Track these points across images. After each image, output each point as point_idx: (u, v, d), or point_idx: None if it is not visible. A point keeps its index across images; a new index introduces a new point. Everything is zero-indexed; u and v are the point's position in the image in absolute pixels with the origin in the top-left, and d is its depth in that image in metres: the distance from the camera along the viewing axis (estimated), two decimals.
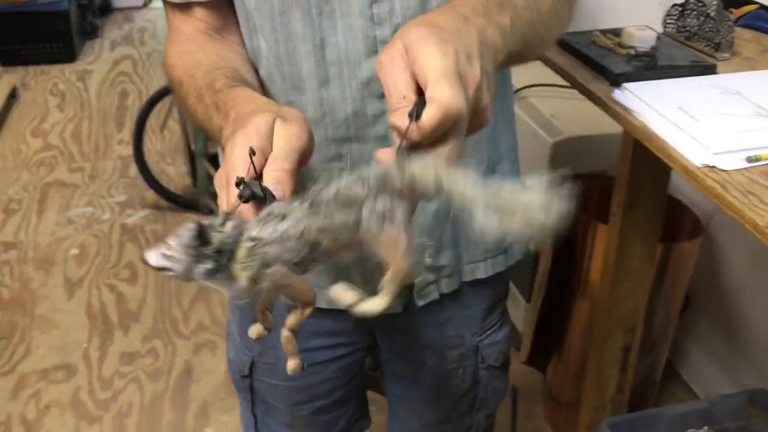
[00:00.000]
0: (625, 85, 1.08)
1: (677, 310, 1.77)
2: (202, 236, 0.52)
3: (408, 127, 0.53)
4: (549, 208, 0.49)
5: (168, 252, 0.52)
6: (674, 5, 1.28)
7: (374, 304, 0.55)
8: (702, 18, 1.22)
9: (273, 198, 0.55)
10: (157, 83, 3.92)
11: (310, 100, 0.84)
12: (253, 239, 0.52)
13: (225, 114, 0.68)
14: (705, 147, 0.92)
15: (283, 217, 0.52)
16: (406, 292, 0.97)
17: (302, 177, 0.61)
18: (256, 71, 0.86)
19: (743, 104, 1.02)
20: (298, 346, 1.03)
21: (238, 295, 0.54)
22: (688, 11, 1.24)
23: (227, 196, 0.58)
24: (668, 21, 1.30)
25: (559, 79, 2.05)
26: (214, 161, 2.63)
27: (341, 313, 0.98)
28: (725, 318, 1.84)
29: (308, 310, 0.59)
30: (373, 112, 0.83)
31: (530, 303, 1.95)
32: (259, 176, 0.57)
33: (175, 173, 3.14)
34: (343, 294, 0.56)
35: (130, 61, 4.37)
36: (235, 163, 0.58)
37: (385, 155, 0.56)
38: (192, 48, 0.82)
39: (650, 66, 1.12)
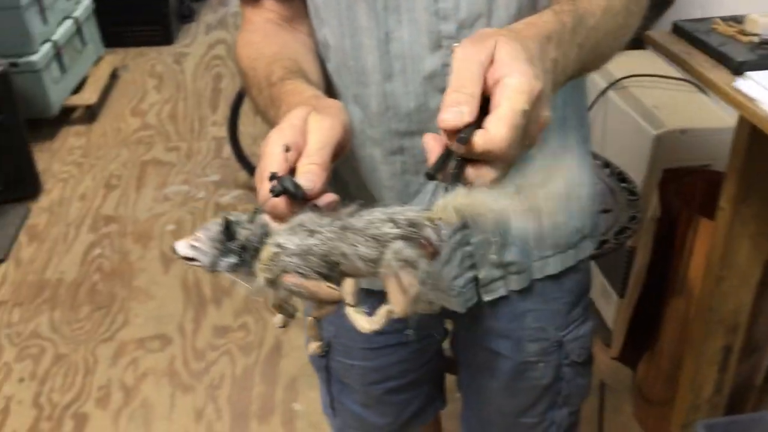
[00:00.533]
0: (749, 73, 1.04)
1: None
2: (228, 231, 0.54)
3: (453, 142, 0.54)
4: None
5: (196, 243, 0.55)
6: None
7: (363, 323, 0.57)
8: None
9: (304, 194, 0.56)
10: None
11: (374, 94, 0.85)
12: (279, 246, 0.54)
13: (278, 107, 0.70)
14: None
15: (312, 233, 0.54)
16: (467, 290, 0.97)
17: (343, 169, 0.61)
18: (324, 63, 0.88)
19: None
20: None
21: (255, 293, 0.57)
22: None
23: (261, 191, 0.59)
24: None
25: (661, 70, 2.00)
26: None
27: None
28: None
29: (327, 309, 0.60)
30: (436, 105, 0.82)
31: (624, 298, 1.92)
32: (292, 171, 0.59)
33: None
34: (349, 294, 0.57)
35: (224, 45, 4.48)
36: (269, 159, 0.59)
37: (435, 141, 0.57)
38: (256, 39, 0.84)
39: None
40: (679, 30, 1.21)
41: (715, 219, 1.40)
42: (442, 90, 0.81)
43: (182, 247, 0.56)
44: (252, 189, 2.94)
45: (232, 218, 0.55)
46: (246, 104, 3.01)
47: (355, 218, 0.55)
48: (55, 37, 3.41)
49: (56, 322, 2.33)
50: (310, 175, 0.57)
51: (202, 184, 3.04)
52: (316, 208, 0.56)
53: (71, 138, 3.46)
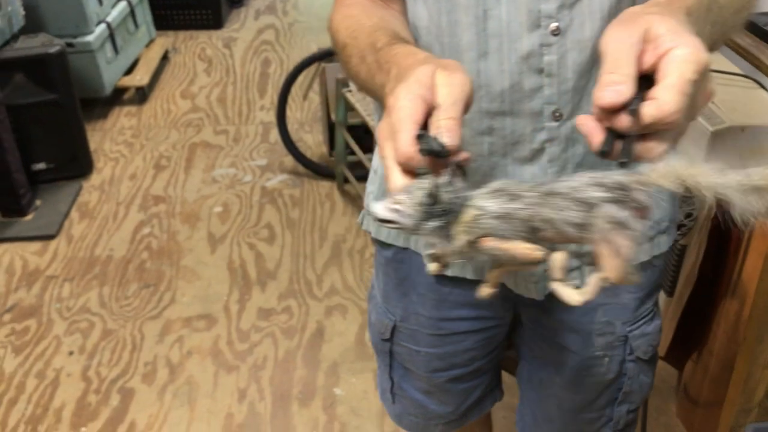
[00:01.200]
0: None
1: None
2: (433, 195, 0.54)
3: (621, 116, 0.53)
4: None
5: (398, 207, 0.55)
6: None
7: (571, 296, 0.56)
8: None
9: (447, 152, 0.56)
10: (298, 53, 4.04)
11: (467, 72, 0.84)
12: (480, 209, 0.54)
13: (387, 71, 0.69)
14: None
15: (514, 197, 0.54)
16: (545, 279, 0.96)
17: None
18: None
19: None
20: (442, 315, 1.04)
21: (451, 254, 0.57)
22: None
23: (394, 148, 0.58)
24: None
25: (720, 65, 1.95)
26: (353, 131, 2.69)
27: None
28: None
29: (527, 268, 0.59)
30: (530, 86, 0.83)
31: (673, 296, 1.88)
32: (425, 127, 0.58)
33: (312, 141, 3.24)
34: (557, 268, 0.57)
35: (272, 30, 4.51)
36: (400, 114, 0.58)
37: (593, 122, 0.55)
38: (355, 12, 0.84)
39: None
40: (747, 23, 1.18)
41: None
42: (538, 70, 0.83)
43: (382, 209, 0.56)
44: (296, 174, 2.97)
45: (438, 182, 0.55)
46: (294, 90, 3.02)
47: (556, 184, 0.54)
48: (110, 18, 3.46)
49: (105, 298, 2.38)
50: (449, 132, 0.56)
51: (249, 168, 3.07)
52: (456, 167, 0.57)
53: (123, 118, 3.52)
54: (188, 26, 4.53)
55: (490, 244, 0.55)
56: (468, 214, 0.54)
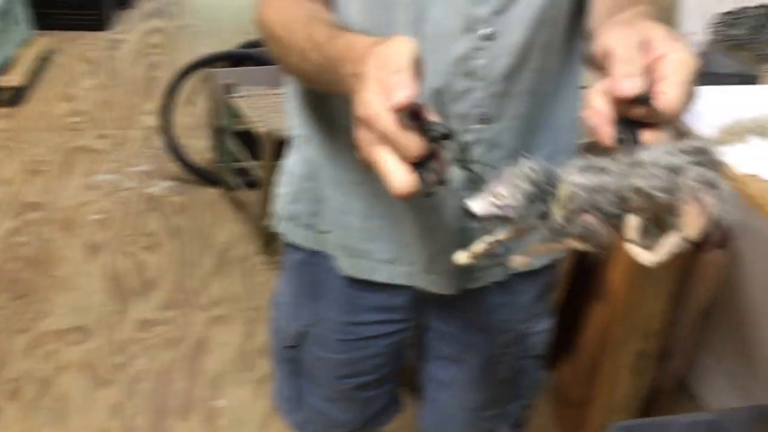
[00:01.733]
0: None
1: (696, 321, 1.77)
2: (535, 181, 0.55)
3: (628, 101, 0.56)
4: None
5: (496, 200, 0.55)
6: (728, 12, 1.28)
7: (647, 256, 0.57)
8: (752, 28, 1.21)
9: (453, 133, 0.58)
10: (187, 57, 3.93)
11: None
12: (575, 185, 0.55)
13: (340, 69, 0.67)
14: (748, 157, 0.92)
15: (603, 171, 0.55)
16: (462, 274, 0.98)
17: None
18: None
19: None
20: (352, 319, 1.04)
21: (551, 233, 0.57)
22: (742, 20, 1.24)
23: (401, 150, 0.56)
24: (717, 28, 1.30)
25: None
26: (240, 138, 2.65)
27: (397, 288, 1.00)
28: (742, 333, 1.84)
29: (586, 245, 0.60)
30: (460, 89, 0.84)
31: None
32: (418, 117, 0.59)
33: (199, 147, 3.16)
34: (632, 227, 0.57)
35: (161, 34, 4.39)
36: (376, 108, 0.57)
37: (598, 115, 0.58)
38: (284, 4, 0.82)
39: None
40: None
41: None
42: (468, 73, 0.84)
43: (483, 206, 0.56)
44: (182, 181, 2.89)
45: (535, 168, 0.55)
46: (179, 94, 2.95)
47: (643, 155, 0.55)
48: None
49: None
50: (404, 89, 0.56)
51: (132, 174, 2.97)
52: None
53: None
54: (72, 27, 4.33)
55: (589, 220, 0.56)
56: (565, 191, 0.55)
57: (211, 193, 2.86)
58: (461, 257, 0.65)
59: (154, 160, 3.07)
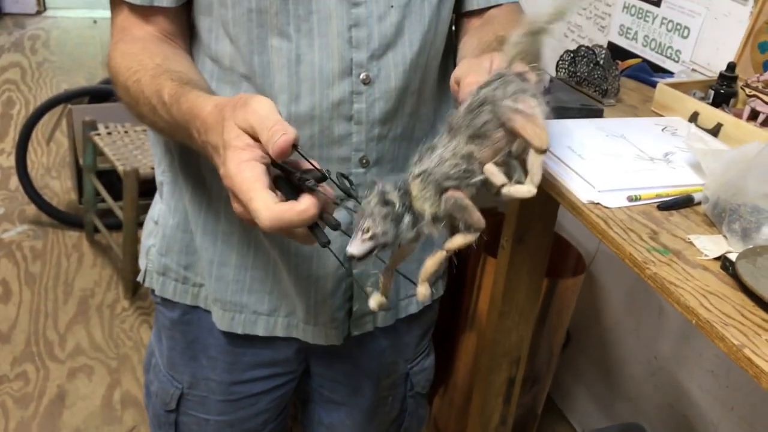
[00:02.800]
0: None
1: (559, 345, 1.83)
2: (387, 201, 0.57)
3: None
4: None
5: (367, 235, 0.57)
6: (566, 51, 1.34)
7: (523, 190, 0.61)
8: (591, 65, 1.28)
9: (326, 174, 0.60)
10: (46, 93, 3.75)
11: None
12: (418, 174, 0.58)
13: (191, 129, 0.68)
14: (591, 185, 0.96)
15: (434, 149, 0.59)
16: (344, 323, 0.96)
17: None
18: (209, 79, 0.85)
19: (626, 147, 1.08)
20: (235, 378, 1.00)
21: (427, 230, 0.60)
22: (579, 58, 1.31)
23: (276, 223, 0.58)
24: (560, 66, 1.37)
25: None
26: (104, 177, 2.52)
27: (280, 341, 0.96)
28: (603, 354, 1.92)
29: (474, 236, 0.63)
30: (340, 133, 0.84)
31: None
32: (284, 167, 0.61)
33: (60, 188, 3.00)
34: (495, 174, 0.60)
35: (18, 69, 4.16)
36: (250, 193, 0.58)
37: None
38: (135, 50, 0.79)
39: None
40: None
41: (497, 257, 1.48)
42: (348, 117, 0.84)
43: (356, 247, 0.57)
44: (40, 224, 2.72)
45: (381, 188, 0.58)
46: (37, 131, 2.79)
47: (455, 118, 0.59)
48: None
49: None
50: (283, 143, 0.58)
51: None
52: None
53: None
54: None
55: (453, 195, 0.58)
56: (416, 185, 0.57)
57: (71, 236, 2.70)
58: (375, 301, 0.67)
59: (9, 202, 2.87)
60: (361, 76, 0.82)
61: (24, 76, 4.09)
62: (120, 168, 2.25)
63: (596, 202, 0.93)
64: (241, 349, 0.98)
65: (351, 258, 0.57)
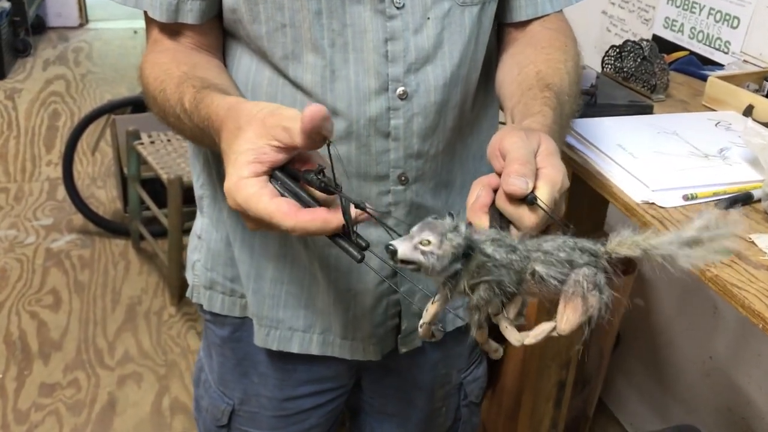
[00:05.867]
0: None
1: (610, 347, 1.79)
2: (468, 243, 0.55)
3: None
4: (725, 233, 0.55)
5: (425, 247, 0.54)
6: (612, 46, 1.31)
7: (515, 337, 0.60)
8: (639, 60, 1.25)
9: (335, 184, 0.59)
10: (90, 105, 3.82)
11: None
12: (487, 256, 0.56)
13: (213, 135, 0.67)
14: (644, 184, 0.93)
15: (513, 250, 0.56)
16: (384, 338, 0.95)
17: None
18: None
19: (679, 144, 1.05)
20: (286, 395, 0.99)
21: (452, 300, 0.59)
22: (626, 53, 1.28)
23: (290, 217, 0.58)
24: (606, 61, 1.34)
25: None
26: (148, 185, 2.56)
27: (332, 360, 0.95)
28: (654, 355, 1.87)
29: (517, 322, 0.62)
30: (377, 150, 0.82)
31: None
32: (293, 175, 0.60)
33: (105, 197, 3.05)
34: (510, 309, 0.59)
35: (63, 81, 4.24)
36: (270, 213, 0.58)
37: (485, 193, 0.63)
38: (165, 59, 0.79)
39: (590, 104, 1.14)
40: None
41: None
42: (385, 134, 0.82)
43: (407, 249, 0.55)
44: (87, 233, 2.77)
45: (461, 226, 0.56)
46: (83, 142, 2.84)
47: (547, 243, 0.57)
48: None
49: None
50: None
51: (32, 229, 2.82)
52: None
53: None
54: None
55: (489, 291, 0.56)
56: (476, 260, 0.56)
57: (118, 245, 2.74)
58: (421, 332, 0.65)
59: (57, 212, 2.93)
60: (398, 91, 0.80)
61: (68, 88, 4.17)
62: (164, 176, 2.27)
63: (651, 202, 0.91)
64: (291, 365, 0.97)
65: (392, 252, 0.55)
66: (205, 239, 0.97)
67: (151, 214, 2.55)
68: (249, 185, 0.59)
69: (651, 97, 1.23)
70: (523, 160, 0.61)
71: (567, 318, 0.57)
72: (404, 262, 0.55)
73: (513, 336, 0.60)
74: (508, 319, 0.59)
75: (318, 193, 0.60)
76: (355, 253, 0.58)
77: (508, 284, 0.56)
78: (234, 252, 0.93)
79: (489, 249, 0.56)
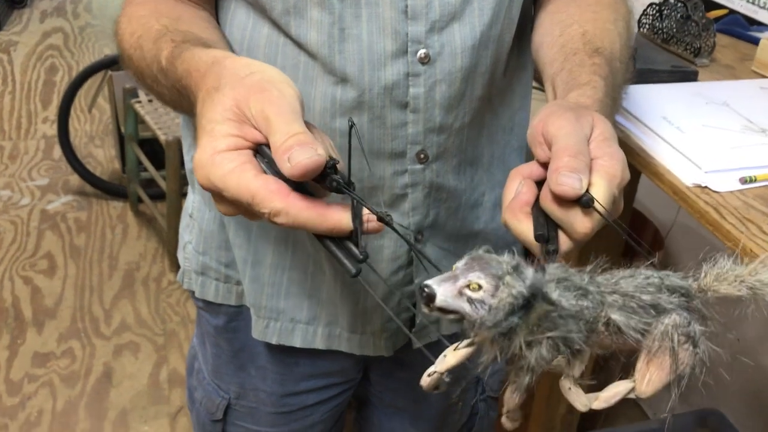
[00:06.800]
0: None
1: None
2: (537, 291, 0.42)
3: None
4: None
5: (472, 293, 0.42)
6: (651, 4, 1.18)
7: (581, 401, 0.48)
8: (681, 20, 1.12)
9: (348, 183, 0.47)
10: (89, 59, 3.69)
11: (318, 97, 0.70)
12: (553, 304, 0.42)
13: (190, 100, 0.57)
14: (695, 165, 0.82)
15: (585, 295, 0.43)
16: (397, 333, 0.86)
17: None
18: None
19: (731, 117, 0.93)
20: (287, 390, 0.90)
21: (498, 362, 0.45)
22: (667, 11, 1.15)
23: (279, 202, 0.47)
24: (643, 21, 1.21)
25: None
26: (145, 145, 2.45)
27: (338, 354, 0.86)
28: None
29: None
30: (393, 123, 0.70)
31: None
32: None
33: (103, 157, 2.94)
34: (575, 367, 0.47)
35: (60, 34, 4.10)
36: (250, 196, 0.48)
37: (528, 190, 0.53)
38: (143, 13, 0.68)
39: None
40: None
41: None
42: (402, 105, 0.69)
43: (448, 294, 0.43)
44: (84, 195, 2.67)
45: (529, 269, 0.43)
46: (80, 98, 2.73)
47: (622, 282, 0.46)
48: None
49: None
50: (302, 147, 0.46)
51: (27, 189, 2.72)
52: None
53: None
54: None
55: (549, 353, 0.43)
56: (539, 310, 0.42)
57: (116, 207, 2.64)
58: (426, 382, 0.54)
59: (53, 173, 2.83)
60: (419, 54, 0.68)
61: (66, 41, 4.03)
62: (162, 137, 2.16)
63: (703, 185, 0.79)
64: (292, 359, 0.87)
65: (428, 297, 0.43)
66: (196, 219, 0.86)
67: (150, 176, 2.44)
68: (228, 160, 0.48)
69: (694, 61, 1.11)
70: (574, 151, 0.50)
71: (650, 379, 0.45)
72: (443, 310, 0.43)
73: (579, 400, 0.48)
74: (572, 378, 0.47)
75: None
76: (349, 265, 0.47)
77: (576, 339, 0.43)
78: (229, 235, 0.82)
79: (554, 294, 0.43)
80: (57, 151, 2.88)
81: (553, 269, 0.45)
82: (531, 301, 0.42)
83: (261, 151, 0.49)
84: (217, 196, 0.50)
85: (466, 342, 0.48)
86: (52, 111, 3.25)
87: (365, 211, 0.47)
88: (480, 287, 0.42)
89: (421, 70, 0.69)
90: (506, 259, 0.43)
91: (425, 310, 0.44)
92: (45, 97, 3.41)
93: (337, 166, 0.47)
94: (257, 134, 0.49)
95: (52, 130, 3.06)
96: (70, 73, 3.61)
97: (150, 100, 2.37)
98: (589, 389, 0.49)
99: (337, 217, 0.47)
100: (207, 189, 0.49)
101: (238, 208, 0.50)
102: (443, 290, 0.42)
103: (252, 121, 0.49)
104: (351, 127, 0.47)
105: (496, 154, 0.80)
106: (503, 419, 0.53)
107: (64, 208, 2.63)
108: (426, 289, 0.42)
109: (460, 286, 0.42)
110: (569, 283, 0.44)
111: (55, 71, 3.67)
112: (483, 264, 0.43)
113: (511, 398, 0.50)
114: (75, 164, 2.63)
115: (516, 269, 0.42)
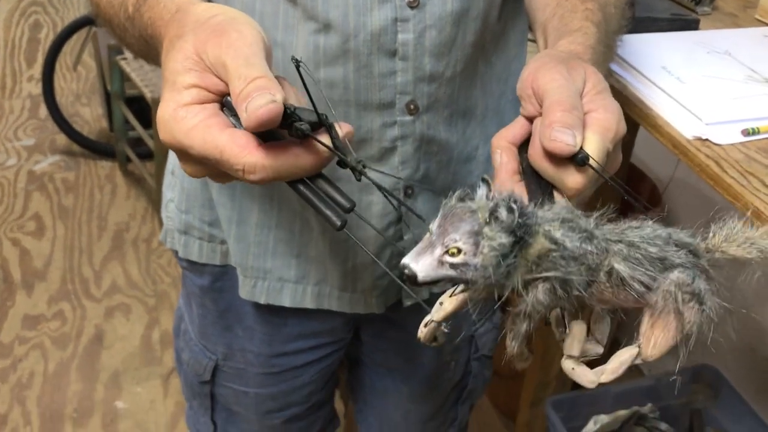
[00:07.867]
0: None
1: None
2: (515, 230, 0.39)
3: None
4: None
5: (453, 259, 0.39)
6: None
7: (587, 377, 0.46)
8: None
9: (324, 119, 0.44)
10: (74, 15, 3.60)
11: (300, 46, 0.66)
12: (554, 242, 0.40)
13: (158, 41, 0.53)
14: (696, 116, 0.78)
15: (589, 238, 0.40)
16: (388, 289, 0.84)
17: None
18: None
19: (733, 66, 0.89)
20: (275, 351, 0.87)
21: (491, 298, 0.43)
22: None
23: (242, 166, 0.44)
24: None
25: None
26: (133, 103, 2.39)
27: (327, 313, 0.83)
28: None
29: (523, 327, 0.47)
30: (380, 72, 0.67)
31: None
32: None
33: (90, 115, 2.88)
34: (573, 341, 0.46)
35: None
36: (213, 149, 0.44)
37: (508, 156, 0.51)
38: None
39: None
40: None
41: None
42: (390, 52, 0.65)
43: (428, 267, 0.40)
44: (71, 154, 2.63)
45: (513, 202, 0.40)
46: (65, 55, 2.66)
47: (631, 232, 0.43)
48: None
49: None
50: (263, 90, 0.43)
51: (13, 149, 2.68)
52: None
53: None
54: None
55: (550, 291, 0.41)
56: (540, 246, 0.40)
57: (104, 167, 2.60)
58: (423, 333, 0.51)
59: (40, 132, 2.78)
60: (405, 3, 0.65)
61: None
62: (148, 95, 2.11)
63: (704, 138, 0.76)
64: (280, 319, 0.85)
65: (409, 278, 0.40)
66: (178, 176, 0.83)
67: (138, 135, 2.40)
68: (192, 114, 0.45)
69: (695, 9, 1.06)
70: (567, 105, 0.47)
71: (656, 341, 0.43)
72: (429, 283, 0.40)
73: (586, 378, 0.45)
74: (574, 358, 0.45)
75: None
76: (334, 218, 0.44)
77: (576, 285, 0.41)
78: (212, 193, 0.79)
79: (558, 233, 0.40)
80: (43, 111, 2.82)
81: (559, 208, 0.42)
82: (523, 238, 0.39)
83: (227, 103, 0.45)
84: (183, 154, 0.46)
85: (461, 287, 0.45)
86: (37, 69, 3.18)
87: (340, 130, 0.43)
88: (459, 251, 0.39)
89: (410, 15, 0.65)
90: (481, 204, 0.40)
91: (408, 288, 0.42)
92: (29, 55, 3.34)
93: (334, 124, 0.44)
94: (220, 84, 0.45)
95: (38, 88, 2.99)
96: (55, 30, 3.52)
97: (136, 57, 2.31)
98: (591, 364, 0.47)
99: (314, 147, 0.44)
100: (171, 147, 0.46)
101: (206, 168, 0.46)
102: (422, 266, 0.40)
103: (213, 69, 0.45)
104: (297, 66, 0.43)
105: (490, 106, 0.76)
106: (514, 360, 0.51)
107: (52, 168, 2.59)
108: (405, 271, 0.40)
109: (438, 256, 0.40)
110: (574, 225, 0.41)
111: (39, 28, 3.58)
112: (456, 222, 0.40)
113: (511, 346, 0.48)
114: (61, 123, 2.57)
115: (492, 215, 0.39)
